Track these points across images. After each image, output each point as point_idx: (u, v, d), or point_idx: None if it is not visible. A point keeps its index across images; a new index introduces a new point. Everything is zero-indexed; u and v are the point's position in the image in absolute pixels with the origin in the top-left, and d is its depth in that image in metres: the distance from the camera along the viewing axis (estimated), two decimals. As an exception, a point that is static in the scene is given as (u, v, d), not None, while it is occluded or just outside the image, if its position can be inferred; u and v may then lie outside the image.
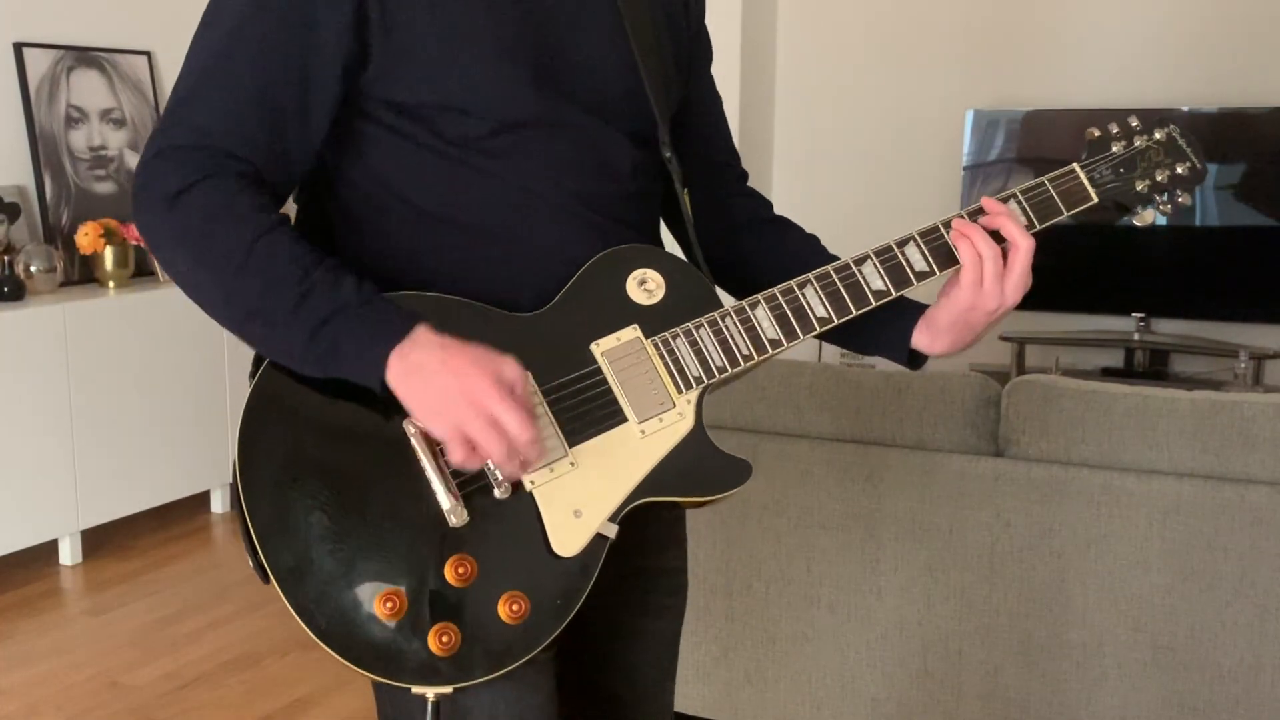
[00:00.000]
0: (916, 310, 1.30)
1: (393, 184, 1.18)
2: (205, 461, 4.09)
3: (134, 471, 3.84)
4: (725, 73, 4.40)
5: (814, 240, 1.38)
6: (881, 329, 1.31)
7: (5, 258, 3.65)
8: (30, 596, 3.49)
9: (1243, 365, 3.88)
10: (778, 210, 1.43)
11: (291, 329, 1.08)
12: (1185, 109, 4.11)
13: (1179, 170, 1.32)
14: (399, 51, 1.12)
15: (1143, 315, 4.22)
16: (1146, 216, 1.32)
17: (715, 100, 1.43)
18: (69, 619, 3.34)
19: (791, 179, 4.84)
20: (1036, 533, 2.09)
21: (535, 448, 1.08)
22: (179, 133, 1.11)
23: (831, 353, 4.26)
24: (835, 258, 1.32)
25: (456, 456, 1.07)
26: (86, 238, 3.86)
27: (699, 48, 1.39)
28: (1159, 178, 1.32)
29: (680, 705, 2.41)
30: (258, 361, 1.17)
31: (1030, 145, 4.32)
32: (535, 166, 1.18)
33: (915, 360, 1.32)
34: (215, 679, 2.94)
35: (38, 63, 3.97)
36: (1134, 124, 1.32)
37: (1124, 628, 2.07)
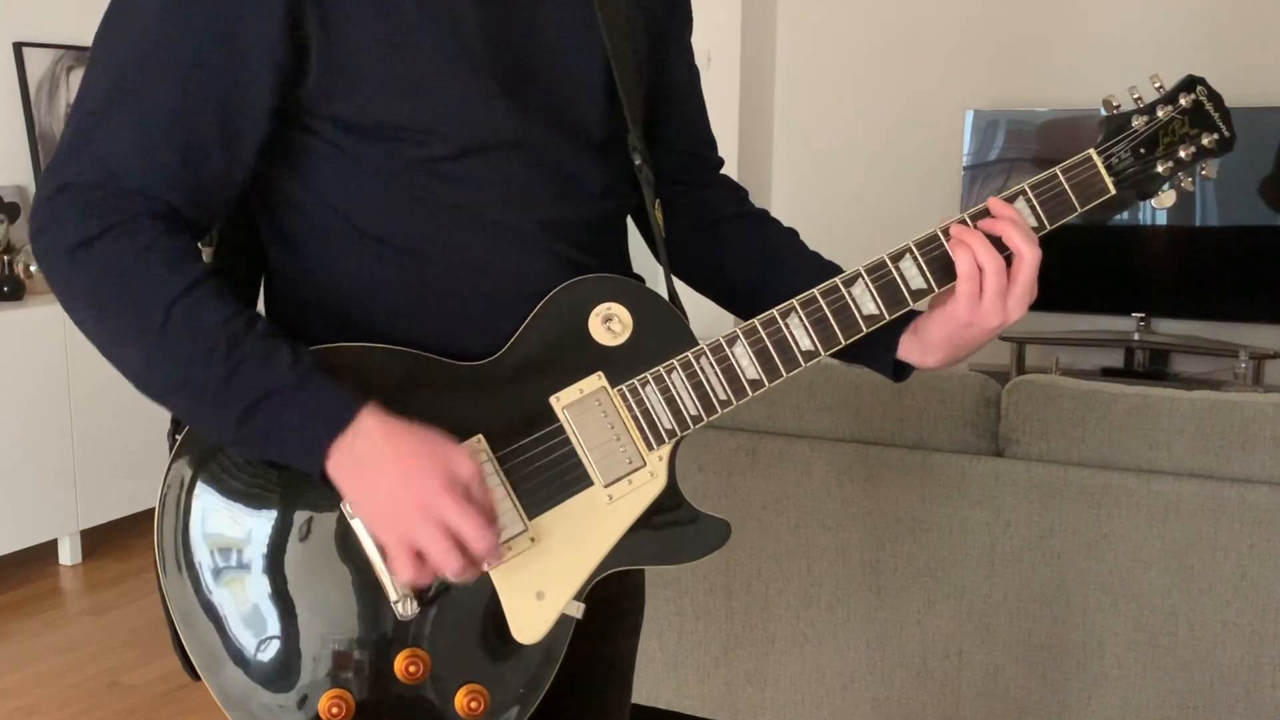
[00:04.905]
0: (905, 318, 1.18)
1: (337, 205, 1.05)
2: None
3: (134, 471, 3.84)
4: (725, 74, 4.40)
5: (793, 234, 1.28)
6: (865, 338, 1.18)
7: (5, 257, 3.65)
8: (30, 596, 3.49)
9: (1243, 365, 3.88)
10: (778, 211, 1.37)
11: (219, 408, 0.96)
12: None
13: (1205, 143, 1.17)
14: (343, 64, 0.98)
15: (1143, 315, 4.22)
16: (1167, 199, 1.18)
17: (693, 77, 1.28)
18: (69, 619, 3.34)
19: (791, 179, 4.84)
20: (1036, 533, 2.09)
21: (497, 555, 0.98)
22: (84, 167, 0.96)
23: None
24: (815, 254, 1.23)
25: (404, 573, 0.96)
26: (86, 237, 3.86)
27: (675, 17, 1.24)
28: (1183, 154, 1.16)
29: (680, 705, 2.41)
30: (176, 423, 1.06)
31: (1030, 145, 4.32)
32: (500, 192, 1.06)
33: (900, 372, 1.21)
34: (215, 679, 2.94)
35: (37, 62, 3.97)
36: (1156, 88, 1.16)
37: (1124, 628, 2.07)
